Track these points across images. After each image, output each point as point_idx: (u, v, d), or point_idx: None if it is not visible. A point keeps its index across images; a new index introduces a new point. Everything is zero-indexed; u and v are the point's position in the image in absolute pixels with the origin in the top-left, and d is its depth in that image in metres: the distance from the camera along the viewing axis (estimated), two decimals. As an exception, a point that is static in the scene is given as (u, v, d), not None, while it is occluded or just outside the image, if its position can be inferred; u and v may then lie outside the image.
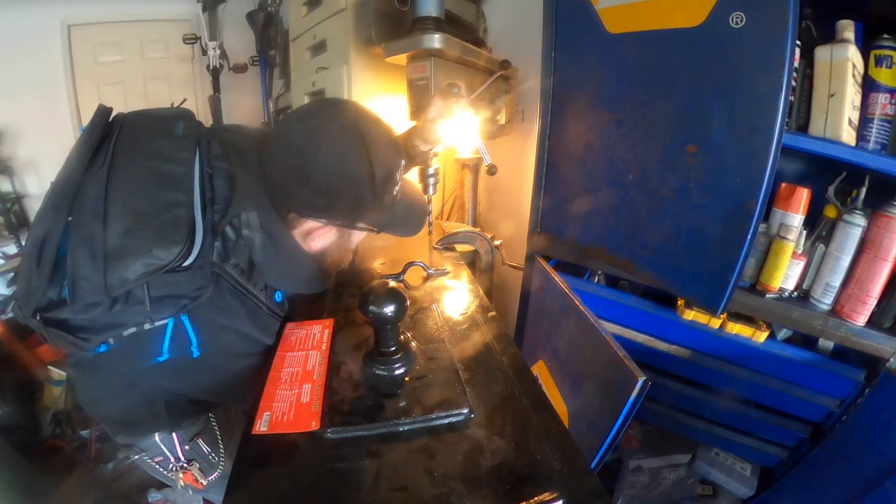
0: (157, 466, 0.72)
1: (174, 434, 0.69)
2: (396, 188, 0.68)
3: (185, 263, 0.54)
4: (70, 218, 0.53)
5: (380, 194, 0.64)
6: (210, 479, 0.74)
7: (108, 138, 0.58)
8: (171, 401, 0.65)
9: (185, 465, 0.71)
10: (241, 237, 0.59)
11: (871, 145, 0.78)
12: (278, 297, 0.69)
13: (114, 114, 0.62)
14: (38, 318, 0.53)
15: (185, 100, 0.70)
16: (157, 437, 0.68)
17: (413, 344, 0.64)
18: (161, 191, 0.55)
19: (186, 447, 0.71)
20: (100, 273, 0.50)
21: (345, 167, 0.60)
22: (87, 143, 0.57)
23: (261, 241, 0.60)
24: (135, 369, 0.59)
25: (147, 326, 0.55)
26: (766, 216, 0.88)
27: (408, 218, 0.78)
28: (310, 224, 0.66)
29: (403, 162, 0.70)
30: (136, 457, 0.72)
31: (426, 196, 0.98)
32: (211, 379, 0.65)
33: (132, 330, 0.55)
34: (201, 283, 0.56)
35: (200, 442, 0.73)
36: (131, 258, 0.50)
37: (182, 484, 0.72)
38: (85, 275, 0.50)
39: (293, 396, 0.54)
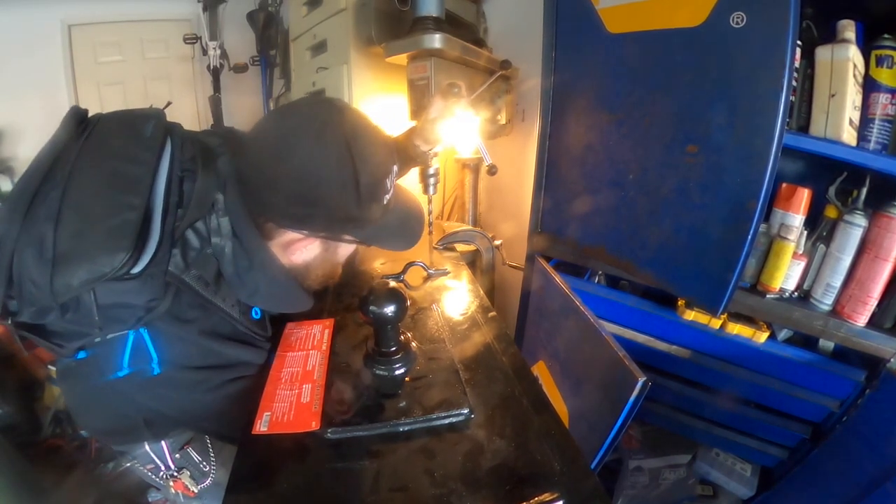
0: (149, 474, 0.70)
1: (164, 443, 0.66)
2: (388, 196, 0.62)
3: (134, 271, 0.50)
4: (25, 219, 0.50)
5: (366, 203, 0.57)
6: (201, 486, 0.72)
7: (78, 139, 0.55)
8: (149, 414, 0.62)
9: (176, 473, 0.69)
10: (209, 245, 0.55)
11: (871, 145, 0.78)
12: (256, 313, 0.64)
13: (92, 114, 0.60)
14: (9, 321, 0.51)
15: (169, 103, 0.67)
16: (146, 446, 0.66)
17: (413, 344, 0.64)
18: (115, 193, 0.51)
19: (177, 456, 0.68)
20: (46, 277, 0.47)
21: (324, 171, 0.54)
22: (52, 144, 0.54)
23: (231, 251, 0.55)
24: (102, 381, 0.56)
25: (110, 336, 0.53)
26: (767, 216, 0.88)
27: (402, 230, 0.70)
28: (289, 235, 0.60)
29: (396, 168, 0.63)
30: (129, 464, 0.71)
31: (427, 196, 0.98)
32: (180, 397, 0.60)
33: (98, 339, 0.53)
34: (154, 294, 0.52)
35: (191, 450, 0.70)
36: (76, 263, 0.47)
37: (173, 492, 0.71)
38: (31, 277, 0.48)
39: (293, 396, 0.54)
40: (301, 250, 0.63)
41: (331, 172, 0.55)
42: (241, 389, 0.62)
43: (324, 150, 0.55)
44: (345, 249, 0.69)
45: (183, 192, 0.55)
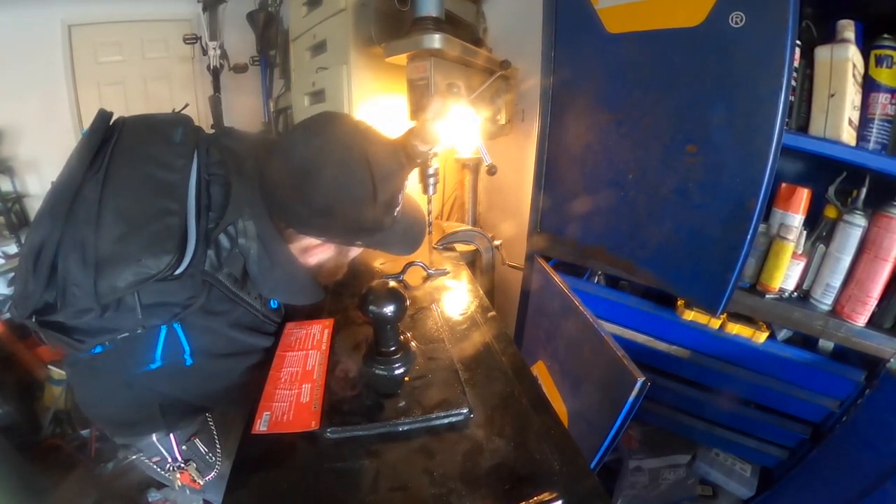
0: (155, 466, 0.72)
1: (171, 434, 0.68)
2: (398, 209, 0.68)
3: (176, 272, 0.53)
4: (66, 223, 0.53)
5: (381, 217, 0.64)
6: (207, 478, 0.74)
7: (107, 143, 0.58)
8: (166, 403, 0.65)
9: (182, 465, 0.71)
10: (237, 246, 0.59)
11: (871, 145, 0.78)
12: (273, 303, 0.68)
13: (116, 117, 0.62)
14: (33, 319, 0.53)
15: (186, 105, 0.70)
16: (154, 437, 0.68)
17: (413, 344, 0.64)
18: (155, 198, 0.54)
19: (183, 447, 0.70)
20: (90, 280, 0.50)
21: (348, 189, 0.60)
22: (86, 147, 0.57)
23: (256, 252, 0.60)
24: (129, 374, 0.58)
25: (140, 331, 0.55)
26: (766, 216, 0.88)
27: (406, 236, 0.76)
28: (308, 240, 0.66)
29: (407, 184, 0.70)
30: (134, 457, 0.72)
31: (426, 196, 0.98)
32: (206, 385, 0.64)
33: (126, 334, 0.55)
34: (192, 292, 0.56)
35: (197, 442, 0.72)
36: (122, 266, 0.50)
37: (179, 484, 0.72)
38: (76, 281, 0.51)
39: (293, 396, 0.54)
40: (317, 254, 0.68)
41: (354, 191, 0.60)
42: (254, 369, 0.65)
43: (348, 170, 0.60)
44: (354, 251, 0.74)
45: (210, 195, 0.59)
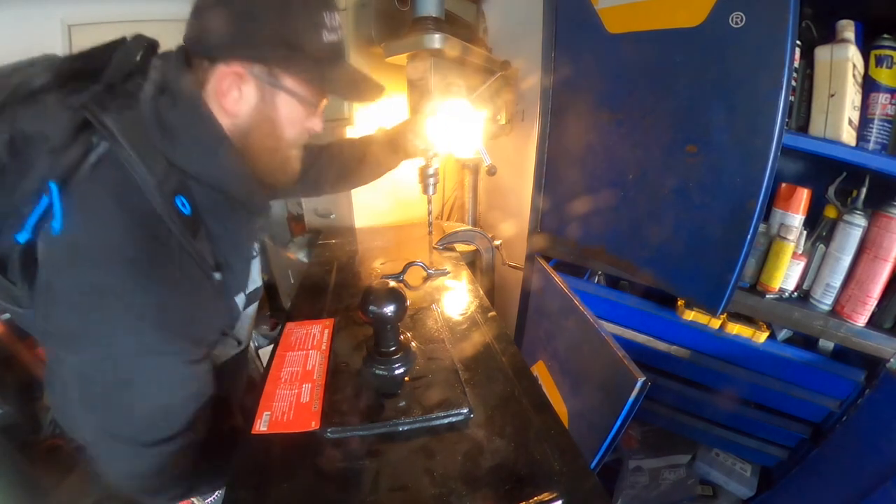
0: None
1: None
2: (328, 35, 0.58)
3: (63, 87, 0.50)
4: None
5: (297, 22, 0.55)
6: (207, 502, 0.72)
7: None
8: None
9: None
10: (137, 101, 0.51)
11: (871, 145, 0.78)
12: (183, 205, 0.52)
13: None
14: None
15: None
16: None
17: (413, 344, 0.64)
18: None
19: None
20: None
21: None
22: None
23: (154, 88, 0.52)
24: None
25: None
26: (767, 216, 0.88)
27: (353, 81, 0.65)
28: (220, 70, 0.55)
29: (338, 10, 0.60)
30: None
31: (427, 196, 0.98)
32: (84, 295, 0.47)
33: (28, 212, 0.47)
34: (66, 123, 0.47)
35: None
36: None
37: None
38: None
39: (293, 396, 0.54)
40: (234, 93, 0.56)
41: None
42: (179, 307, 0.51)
43: None
44: (287, 108, 0.60)
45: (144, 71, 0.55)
